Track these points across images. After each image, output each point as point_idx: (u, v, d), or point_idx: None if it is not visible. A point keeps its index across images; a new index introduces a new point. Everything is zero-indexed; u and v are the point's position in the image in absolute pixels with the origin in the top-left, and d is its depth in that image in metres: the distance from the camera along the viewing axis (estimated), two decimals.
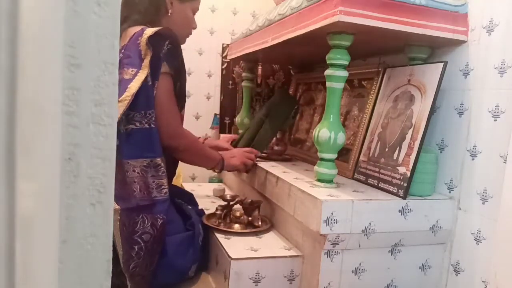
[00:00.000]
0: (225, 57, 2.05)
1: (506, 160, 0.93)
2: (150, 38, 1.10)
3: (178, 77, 1.22)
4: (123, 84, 1.06)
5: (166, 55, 1.13)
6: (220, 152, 1.38)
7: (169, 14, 1.27)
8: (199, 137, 1.51)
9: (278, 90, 1.60)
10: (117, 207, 1.07)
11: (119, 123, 1.01)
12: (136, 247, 1.05)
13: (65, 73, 0.42)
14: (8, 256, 0.31)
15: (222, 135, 1.93)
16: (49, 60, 0.36)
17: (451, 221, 1.07)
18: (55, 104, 0.38)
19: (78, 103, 0.43)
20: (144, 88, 1.07)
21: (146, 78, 1.08)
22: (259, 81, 2.07)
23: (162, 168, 1.11)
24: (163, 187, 1.11)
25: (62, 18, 0.40)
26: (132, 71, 1.08)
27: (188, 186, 1.77)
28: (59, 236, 0.42)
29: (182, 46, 2.04)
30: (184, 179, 1.98)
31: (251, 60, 1.83)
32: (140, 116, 1.07)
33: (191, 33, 1.37)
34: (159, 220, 1.08)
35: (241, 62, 1.98)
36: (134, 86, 1.05)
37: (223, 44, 2.09)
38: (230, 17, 2.10)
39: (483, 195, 1.00)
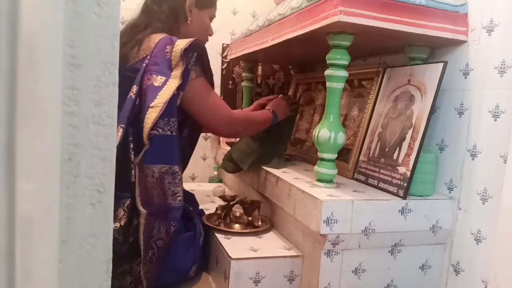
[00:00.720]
0: (225, 57, 2.05)
1: (506, 160, 0.93)
2: (185, 50, 1.12)
3: (210, 80, 1.26)
4: (152, 91, 1.08)
5: (195, 62, 1.16)
6: (268, 107, 1.43)
7: (188, 22, 1.30)
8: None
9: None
10: (144, 211, 1.07)
11: (150, 128, 1.04)
12: (150, 252, 1.06)
13: (65, 73, 0.42)
14: (8, 256, 0.31)
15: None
16: (49, 60, 0.36)
17: (451, 221, 1.07)
18: (55, 104, 0.38)
19: (78, 103, 0.43)
20: (173, 97, 1.09)
21: (176, 87, 1.10)
22: (259, 81, 2.07)
23: (179, 176, 1.12)
24: (178, 194, 1.12)
25: (62, 18, 0.40)
26: (161, 78, 1.10)
27: (188, 186, 1.77)
28: (59, 236, 0.42)
29: None
30: (184, 179, 1.97)
31: (251, 60, 1.83)
32: (164, 123, 1.08)
33: (207, 40, 1.39)
34: (172, 227, 1.09)
35: (241, 62, 1.98)
36: (166, 94, 1.08)
37: (223, 44, 2.09)
38: (230, 17, 2.10)
39: (483, 195, 1.00)
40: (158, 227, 1.07)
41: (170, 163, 1.11)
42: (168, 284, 1.14)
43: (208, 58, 1.24)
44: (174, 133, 1.10)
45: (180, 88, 1.12)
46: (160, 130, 1.08)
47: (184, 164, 1.28)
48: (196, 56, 1.16)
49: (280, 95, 1.52)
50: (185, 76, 1.13)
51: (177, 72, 1.12)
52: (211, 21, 1.38)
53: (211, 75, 1.27)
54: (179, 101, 1.13)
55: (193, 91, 1.16)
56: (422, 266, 1.09)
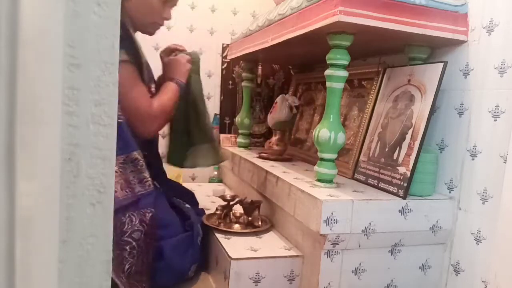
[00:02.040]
0: (225, 57, 2.05)
1: (506, 160, 0.93)
2: None
3: (139, 65, 1.18)
4: None
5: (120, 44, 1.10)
6: (169, 77, 1.30)
7: None
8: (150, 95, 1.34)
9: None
10: None
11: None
12: (127, 247, 1.02)
13: (65, 73, 0.42)
14: (8, 256, 0.31)
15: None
16: (49, 60, 0.36)
17: (451, 221, 1.07)
18: (55, 104, 0.38)
19: (78, 103, 0.43)
20: None
21: None
22: (259, 81, 2.07)
23: (141, 161, 1.09)
24: (145, 180, 1.08)
25: (62, 18, 0.40)
26: None
27: (188, 186, 1.77)
28: (59, 236, 0.42)
29: (183, 46, 2.01)
30: (184, 179, 1.98)
31: (251, 60, 1.83)
32: None
33: (160, 23, 1.29)
34: (147, 214, 1.06)
35: (241, 62, 1.98)
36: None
37: (223, 44, 2.09)
38: (230, 17, 2.10)
39: (483, 195, 1.00)
40: (129, 221, 1.04)
41: (126, 152, 1.07)
42: (168, 285, 1.14)
43: (136, 43, 1.17)
44: (120, 120, 1.04)
45: None
46: None
47: (142, 144, 1.21)
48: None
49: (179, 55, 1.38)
50: None
51: None
52: (169, 6, 1.27)
53: (140, 63, 1.19)
54: None
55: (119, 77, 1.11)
56: (422, 266, 1.09)
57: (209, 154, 1.36)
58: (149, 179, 1.10)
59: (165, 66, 1.35)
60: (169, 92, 1.27)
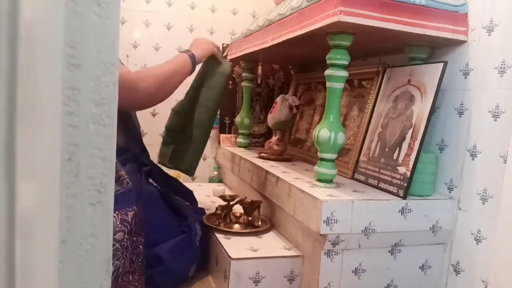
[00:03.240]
0: (225, 57, 2.05)
1: (506, 160, 0.93)
2: None
3: None
4: None
5: None
6: (183, 50, 1.25)
7: None
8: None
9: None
10: None
11: None
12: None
13: (65, 73, 0.42)
14: (8, 256, 0.31)
15: None
16: (49, 60, 0.36)
17: (451, 221, 1.07)
18: (55, 104, 0.38)
19: (78, 103, 0.43)
20: None
21: None
22: (259, 81, 2.07)
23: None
24: (122, 178, 1.05)
25: (62, 18, 0.40)
26: None
27: (188, 186, 1.77)
28: (59, 236, 0.42)
29: (183, 46, 2.02)
30: (184, 179, 1.98)
31: (251, 60, 1.83)
32: None
33: None
34: (129, 213, 1.02)
35: (241, 62, 1.98)
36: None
37: (223, 44, 2.09)
38: (230, 17, 2.10)
39: (483, 195, 1.00)
40: None
41: None
42: (168, 287, 1.13)
43: None
44: None
45: None
46: None
47: (133, 141, 1.18)
48: None
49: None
50: None
51: None
52: None
53: None
54: None
55: None
56: (422, 266, 1.09)
57: (187, 159, 1.30)
58: (126, 177, 1.06)
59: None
60: (171, 60, 1.21)
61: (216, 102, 1.34)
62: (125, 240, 1.01)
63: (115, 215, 1.01)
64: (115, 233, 1.00)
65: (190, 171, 1.33)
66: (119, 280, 1.00)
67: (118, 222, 1.00)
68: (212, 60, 1.34)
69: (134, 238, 1.03)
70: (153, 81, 1.14)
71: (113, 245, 0.98)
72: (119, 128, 1.22)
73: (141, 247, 1.04)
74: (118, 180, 1.05)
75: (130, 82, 1.09)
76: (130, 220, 1.02)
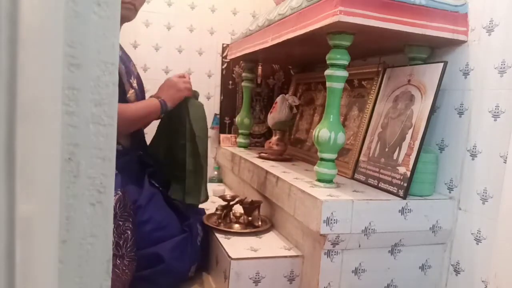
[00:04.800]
0: (225, 57, 2.05)
1: (506, 160, 0.93)
2: None
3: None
4: None
5: None
6: (154, 95, 1.25)
7: None
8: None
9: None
10: None
11: None
12: None
13: (65, 73, 0.42)
14: (8, 256, 0.31)
15: None
16: (49, 60, 0.36)
17: (451, 221, 1.07)
18: (55, 104, 0.38)
19: (78, 103, 0.43)
20: None
21: None
22: (259, 81, 2.07)
23: None
24: None
25: (62, 18, 0.40)
26: None
27: None
28: (59, 236, 0.42)
29: (183, 46, 2.02)
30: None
31: (251, 60, 1.83)
32: None
33: (131, 2, 1.17)
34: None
35: (241, 62, 1.98)
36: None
37: (223, 44, 2.09)
38: (230, 17, 2.10)
39: (483, 195, 1.00)
40: None
41: None
42: (168, 286, 1.13)
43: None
44: None
45: None
46: None
47: (137, 143, 1.19)
48: None
49: (178, 74, 1.31)
50: None
51: None
52: None
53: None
54: None
55: None
56: (422, 266, 1.09)
57: (194, 192, 1.29)
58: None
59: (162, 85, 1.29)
60: (141, 103, 1.22)
61: (206, 131, 1.34)
62: (120, 226, 1.01)
63: None
64: None
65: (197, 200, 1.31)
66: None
67: None
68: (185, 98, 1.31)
69: (120, 223, 1.02)
70: (125, 123, 1.14)
71: None
72: None
73: (129, 232, 1.03)
74: None
75: None
76: (116, 206, 1.02)
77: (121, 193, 1.04)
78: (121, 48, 1.23)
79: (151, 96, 1.27)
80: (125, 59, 1.28)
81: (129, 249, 1.03)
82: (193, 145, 1.26)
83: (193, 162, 1.27)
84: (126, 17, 1.20)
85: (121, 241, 1.02)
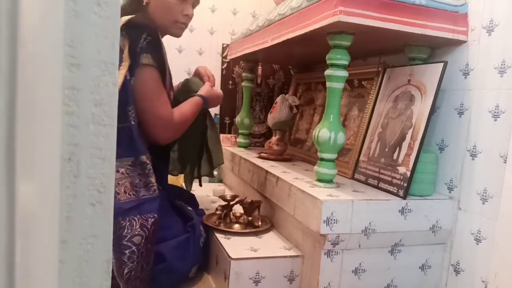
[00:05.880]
0: (225, 57, 2.05)
1: (506, 160, 0.93)
2: (125, 26, 1.06)
3: (163, 71, 1.18)
4: None
5: (146, 48, 1.09)
6: (198, 95, 1.33)
7: (144, 2, 1.20)
8: (179, 83, 1.44)
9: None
10: None
11: None
12: (127, 251, 0.99)
13: (65, 73, 0.42)
14: (8, 256, 0.31)
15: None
16: (49, 60, 0.36)
17: (451, 221, 1.07)
18: (55, 104, 0.38)
19: (78, 103, 0.43)
20: (125, 82, 1.04)
21: (127, 71, 1.04)
22: (259, 81, 2.07)
23: (149, 165, 1.08)
24: (151, 185, 1.07)
25: (62, 18, 0.40)
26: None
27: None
28: (59, 236, 0.42)
29: (183, 46, 2.03)
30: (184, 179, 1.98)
31: (251, 60, 1.83)
32: (120, 113, 1.04)
33: (180, 21, 1.25)
34: (149, 219, 1.03)
35: (241, 62, 1.98)
36: (119, 79, 1.02)
37: (223, 44, 2.09)
38: (230, 17, 2.10)
39: (483, 195, 1.00)
40: (130, 225, 1.01)
41: (135, 155, 1.06)
42: (168, 287, 1.13)
43: (163, 49, 1.17)
44: (133, 122, 1.05)
45: (130, 71, 1.06)
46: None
47: (159, 151, 1.22)
48: (148, 41, 1.09)
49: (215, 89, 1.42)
50: (132, 57, 1.06)
51: (126, 52, 1.06)
52: (187, 1, 1.24)
53: (164, 69, 1.19)
54: (132, 85, 1.06)
55: (141, 80, 1.09)
56: (422, 266, 1.09)
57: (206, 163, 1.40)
58: (155, 184, 1.09)
59: (205, 74, 1.40)
60: (193, 105, 1.28)
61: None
62: (141, 245, 1.02)
63: (136, 218, 1.02)
64: (133, 236, 1.00)
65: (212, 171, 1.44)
66: (129, 283, 1.01)
67: (137, 226, 1.02)
68: None
69: (149, 246, 1.04)
70: (184, 128, 1.25)
71: (130, 247, 0.99)
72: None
73: (152, 256, 1.05)
74: (147, 186, 1.07)
75: (170, 126, 1.18)
76: (149, 227, 1.03)
77: (157, 217, 1.06)
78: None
79: (196, 95, 1.33)
80: (170, 72, 1.30)
81: (148, 272, 1.05)
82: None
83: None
84: (175, 35, 1.28)
85: (145, 264, 1.03)
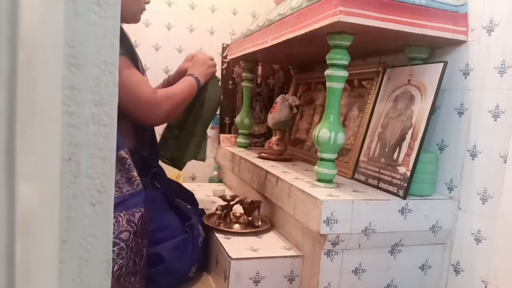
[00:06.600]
0: (225, 57, 2.05)
1: (506, 160, 0.93)
2: None
3: (134, 58, 1.17)
4: None
5: None
6: (188, 73, 1.33)
7: None
8: (164, 79, 1.46)
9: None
10: None
11: None
12: (115, 248, 0.97)
13: (65, 73, 0.42)
14: (8, 256, 0.31)
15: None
16: (49, 60, 0.36)
17: (451, 221, 1.07)
18: (55, 104, 0.38)
19: (78, 103, 0.43)
20: None
21: None
22: (259, 81, 2.07)
23: (128, 160, 1.07)
24: (133, 179, 1.06)
25: (62, 18, 0.40)
26: None
27: (188, 186, 1.77)
28: (59, 236, 0.42)
29: (183, 46, 2.02)
30: (184, 179, 1.98)
31: (251, 60, 1.83)
32: None
33: (144, 9, 1.27)
34: (136, 214, 1.02)
35: (241, 62, 1.98)
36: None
37: (223, 44, 2.09)
38: (230, 17, 2.10)
39: (483, 195, 1.00)
40: (116, 222, 0.99)
41: None
42: (168, 287, 1.13)
43: (127, 35, 1.17)
44: None
45: None
46: None
47: (141, 144, 1.22)
48: None
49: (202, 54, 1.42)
50: None
51: None
52: None
53: (134, 55, 1.19)
54: None
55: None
56: (422, 266, 1.09)
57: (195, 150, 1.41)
58: (138, 178, 1.08)
59: (190, 62, 1.38)
60: (183, 84, 1.28)
61: (218, 102, 1.44)
62: (130, 240, 1.00)
63: (122, 214, 1.01)
64: (120, 232, 0.99)
65: (181, 164, 1.42)
66: (121, 280, 0.99)
67: (124, 222, 1.00)
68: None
69: (139, 240, 1.03)
70: (173, 103, 1.22)
71: (118, 244, 0.98)
72: (129, 131, 1.23)
73: (144, 249, 1.04)
74: (130, 180, 1.06)
75: (154, 102, 1.16)
76: (136, 221, 1.02)
77: (144, 210, 1.05)
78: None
79: (169, 78, 1.34)
80: (139, 59, 1.30)
81: (142, 266, 1.03)
82: (199, 110, 1.36)
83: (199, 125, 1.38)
84: (136, 22, 1.27)
85: (137, 258, 1.02)
